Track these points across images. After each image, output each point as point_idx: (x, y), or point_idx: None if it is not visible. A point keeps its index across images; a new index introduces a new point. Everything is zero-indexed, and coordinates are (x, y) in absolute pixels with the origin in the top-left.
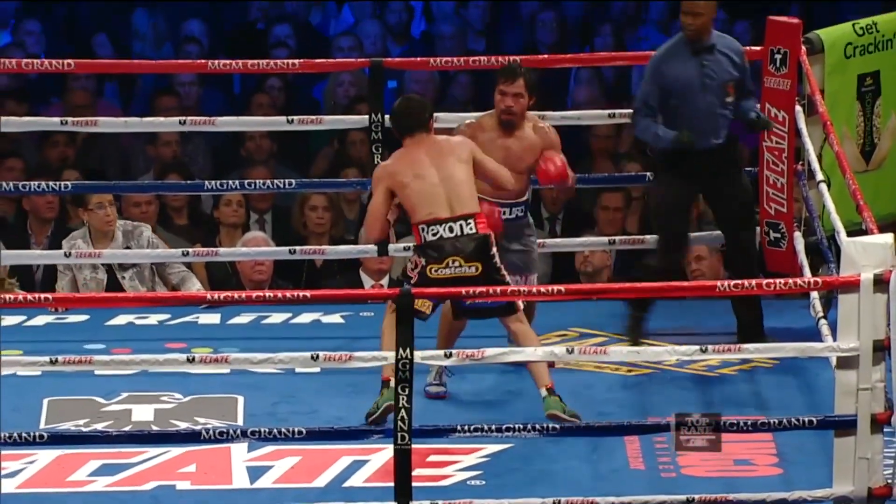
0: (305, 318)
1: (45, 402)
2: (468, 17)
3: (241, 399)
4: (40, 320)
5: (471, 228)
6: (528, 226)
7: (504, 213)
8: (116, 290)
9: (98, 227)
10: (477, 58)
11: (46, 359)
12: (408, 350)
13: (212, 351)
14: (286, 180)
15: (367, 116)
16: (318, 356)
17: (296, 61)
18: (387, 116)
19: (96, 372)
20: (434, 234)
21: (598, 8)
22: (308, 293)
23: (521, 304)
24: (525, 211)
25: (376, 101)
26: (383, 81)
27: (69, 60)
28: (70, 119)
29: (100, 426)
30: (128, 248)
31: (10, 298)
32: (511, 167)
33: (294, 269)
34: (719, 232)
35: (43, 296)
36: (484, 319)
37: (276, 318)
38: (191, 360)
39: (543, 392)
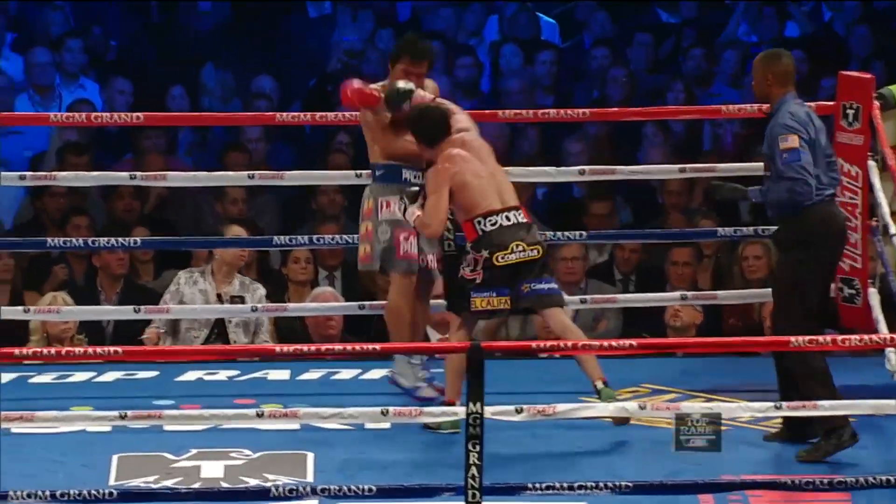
0: (375, 373)
1: (115, 458)
2: (536, 73)
3: (310, 455)
4: (110, 376)
5: (521, 217)
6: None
7: (417, 177)
8: (220, 328)
9: (231, 261)
10: (546, 111)
11: (116, 413)
12: (478, 405)
13: (281, 407)
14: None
15: None
16: (387, 411)
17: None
18: None
19: (166, 428)
20: (493, 224)
21: (670, 64)
22: (378, 346)
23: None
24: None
25: None
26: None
27: (138, 114)
28: (139, 174)
29: (169, 483)
30: (242, 296)
31: (79, 351)
32: (410, 141)
33: (363, 326)
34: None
35: (112, 349)
36: (535, 311)
37: (346, 373)
38: (260, 415)
39: (599, 384)
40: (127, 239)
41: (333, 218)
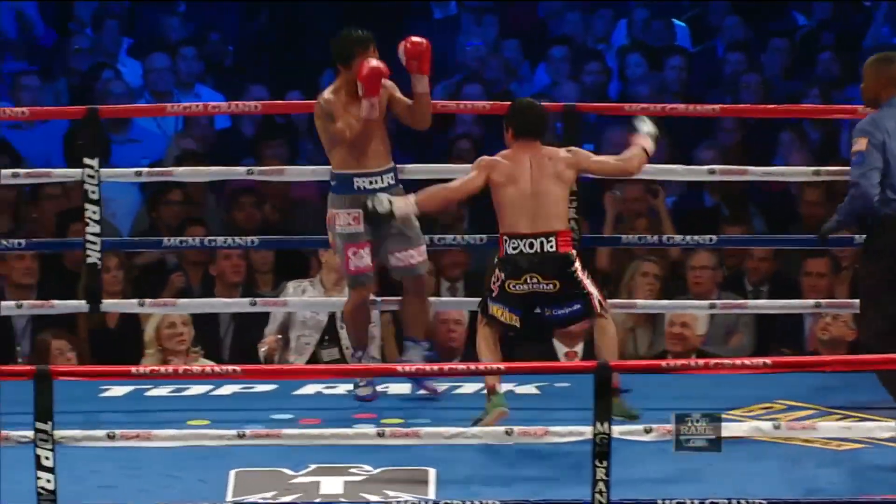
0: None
1: (232, 473)
2: (665, 78)
3: (432, 471)
4: (227, 390)
5: (551, 246)
6: (403, 194)
7: (374, 182)
8: (331, 333)
9: (338, 268)
10: (674, 105)
11: (234, 433)
12: (606, 424)
13: (402, 422)
14: (478, 236)
15: None
16: (512, 431)
17: (486, 103)
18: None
19: (284, 443)
20: (514, 249)
21: (805, 69)
22: (502, 366)
23: (598, 306)
24: (395, 178)
25: None
26: (579, 134)
27: (255, 102)
28: (256, 168)
29: (287, 499)
30: None
31: (197, 371)
32: (372, 134)
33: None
34: None
35: (231, 368)
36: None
37: (468, 387)
38: (381, 436)
39: None
40: (244, 238)
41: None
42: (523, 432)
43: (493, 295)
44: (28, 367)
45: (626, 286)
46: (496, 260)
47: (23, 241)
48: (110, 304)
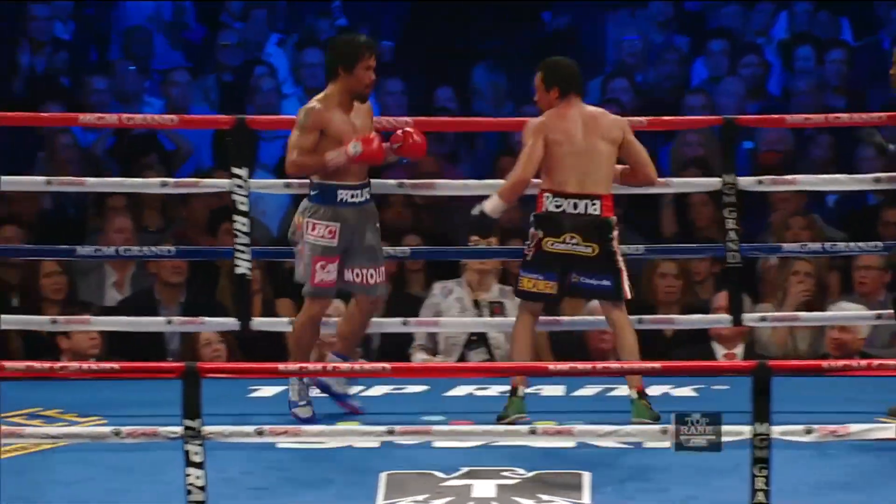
0: (655, 390)
1: (383, 476)
2: (825, 72)
3: (587, 476)
4: (378, 391)
5: (595, 209)
6: (376, 213)
7: (355, 196)
8: (479, 333)
9: (480, 268)
10: (837, 115)
11: (384, 428)
12: (765, 425)
13: (556, 424)
14: (633, 246)
15: (717, 179)
16: (667, 430)
17: (643, 119)
18: (740, 178)
19: (435, 445)
20: (557, 207)
21: None
22: (658, 364)
23: (626, 290)
24: (370, 193)
25: (729, 161)
26: (736, 141)
27: (409, 118)
28: (407, 181)
29: (439, 502)
30: (501, 302)
31: (346, 368)
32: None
33: (643, 338)
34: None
35: (381, 365)
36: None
37: (622, 390)
38: (533, 432)
39: (634, 395)
40: (396, 248)
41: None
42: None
43: (528, 259)
44: (176, 365)
45: (781, 285)
46: (532, 218)
47: (172, 249)
48: (261, 323)
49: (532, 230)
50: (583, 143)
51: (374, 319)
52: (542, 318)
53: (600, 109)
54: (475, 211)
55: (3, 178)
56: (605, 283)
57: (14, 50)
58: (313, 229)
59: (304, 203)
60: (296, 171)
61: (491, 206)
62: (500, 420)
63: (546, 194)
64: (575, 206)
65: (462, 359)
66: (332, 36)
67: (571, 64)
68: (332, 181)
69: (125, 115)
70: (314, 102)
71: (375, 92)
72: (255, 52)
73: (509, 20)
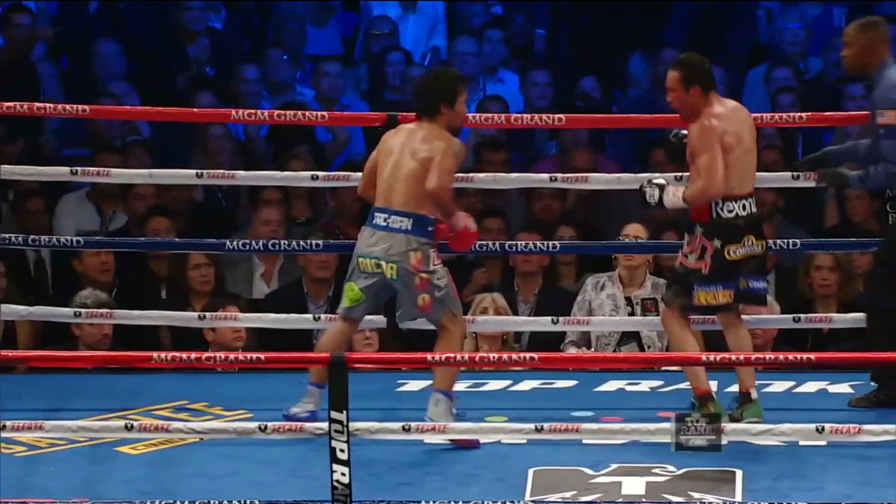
0: (810, 386)
1: (531, 472)
2: None
3: (739, 473)
4: (527, 385)
5: (753, 207)
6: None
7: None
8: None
9: (627, 263)
10: None
11: (532, 426)
12: None
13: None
14: (790, 241)
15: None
16: (823, 428)
17: (803, 115)
18: None
19: (584, 441)
20: (730, 212)
21: None
22: (812, 356)
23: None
24: None
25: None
26: None
27: (560, 115)
28: (560, 175)
29: (588, 499)
30: (654, 299)
31: (493, 358)
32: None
33: (799, 335)
34: None
35: (528, 355)
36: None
37: (778, 386)
38: None
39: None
40: (545, 242)
41: (768, 219)
42: (835, 430)
43: (705, 273)
44: (323, 355)
45: None
46: (699, 229)
47: (320, 243)
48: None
49: (702, 241)
50: (748, 143)
51: (526, 318)
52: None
53: (738, 104)
54: (649, 193)
55: (154, 171)
56: (764, 285)
57: (180, 44)
58: (437, 261)
59: (412, 238)
60: (442, 198)
61: (671, 202)
62: (731, 419)
63: (716, 200)
64: (744, 208)
65: None
66: (423, 73)
67: (704, 58)
68: (433, 215)
69: (276, 112)
70: (457, 141)
71: (521, 83)
72: (401, 43)
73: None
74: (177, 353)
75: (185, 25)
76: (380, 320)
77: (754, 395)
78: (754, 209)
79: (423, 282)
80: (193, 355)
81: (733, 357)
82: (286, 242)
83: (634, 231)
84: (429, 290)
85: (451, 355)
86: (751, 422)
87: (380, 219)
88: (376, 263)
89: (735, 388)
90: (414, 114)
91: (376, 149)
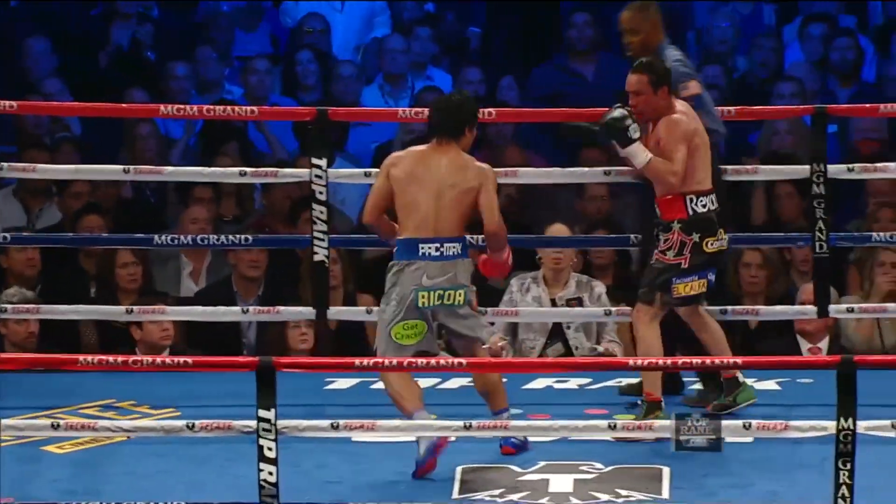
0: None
1: (459, 469)
2: None
3: (666, 470)
4: (454, 383)
5: (715, 203)
6: None
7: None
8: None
9: (552, 265)
10: None
11: (460, 423)
12: (850, 420)
13: (634, 418)
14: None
15: (806, 167)
16: (750, 425)
17: (731, 109)
18: (829, 166)
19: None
20: (704, 206)
21: None
22: (739, 359)
23: None
24: None
25: (819, 150)
26: (826, 130)
27: (490, 109)
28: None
29: (515, 497)
30: (579, 298)
31: (421, 363)
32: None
33: (727, 330)
34: None
35: (457, 361)
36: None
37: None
38: (612, 427)
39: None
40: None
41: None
42: (762, 426)
43: (684, 266)
44: (251, 359)
45: (868, 277)
46: (675, 225)
47: (249, 238)
48: (337, 312)
49: (680, 236)
50: (708, 139)
51: None
52: (622, 308)
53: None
54: (633, 128)
55: (81, 166)
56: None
57: (107, 23)
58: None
59: (468, 261)
60: (501, 237)
61: (636, 152)
62: (723, 408)
63: (689, 196)
64: (713, 202)
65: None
66: (447, 95)
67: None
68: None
69: (206, 107)
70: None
71: (455, 81)
72: (334, 39)
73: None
74: (104, 356)
75: (118, 7)
76: (309, 313)
77: (741, 378)
78: (716, 205)
79: (475, 303)
80: (120, 359)
81: (668, 361)
82: (216, 237)
83: (558, 231)
84: (477, 309)
85: (380, 360)
86: (748, 405)
87: (430, 249)
88: (439, 295)
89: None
90: (436, 134)
91: (385, 176)
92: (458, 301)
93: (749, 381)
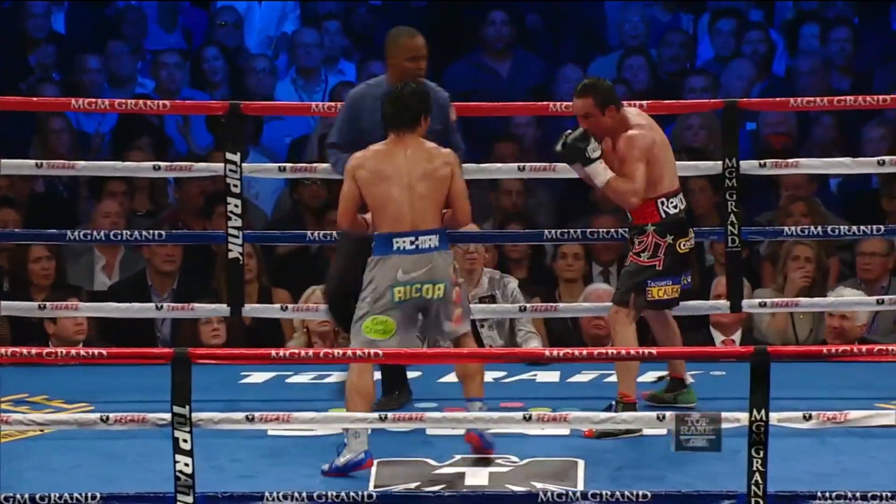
0: (651, 376)
1: (375, 462)
2: (829, 51)
3: (581, 463)
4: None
5: (684, 202)
6: None
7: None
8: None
9: (462, 265)
10: (842, 98)
11: (376, 416)
12: (763, 411)
13: (550, 411)
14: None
15: (718, 162)
16: (664, 417)
17: (643, 102)
18: (742, 162)
19: (428, 432)
20: (675, 208)
21: None
22: (654, 350)
23: None
24: None
25: (731, 145)
26: (739, 124)
27: None
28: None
29: (432, 490)
30: (492, 295)
31: (337, 353)
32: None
33: (639, 325)
34: None
35: (373, 351)
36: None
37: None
38: (527, 419)
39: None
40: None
41: (610, 211)
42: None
43: (659, 268)
44: (166, 351)
45: (781, 271)
46: (649, 228)
47: (163, 233)
48: (252, 309)
49: (654, 238)
50: (666, 141)
51: None
52: (537, 304)
53: (635, 108)
54: (593, 147)
55: None
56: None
57: (22, 51)
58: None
59: (446, 253)
60: (467, 223)
61: (596, 171)
62: (660, 401)
63: (660, 199)
64: (682, 202)
65: None
66: (392, 90)
67: (602, 78)
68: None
69: (118, 101)
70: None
71: (360, 75)
72: (248, 32)
73: None
74: (17, 349)
75: (27, 33)
76: (223, 309)
77: (689, 380)
78: (684, 204)
79: (458, 295)
80: (34, 351)
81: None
82: (129, 233)
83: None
84: (461, 303)
85: (296, 352)
86: (687, 407)
87: (405, 243)
88: (417, 288)
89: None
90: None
91: (351, 180)
92: (437, 295)
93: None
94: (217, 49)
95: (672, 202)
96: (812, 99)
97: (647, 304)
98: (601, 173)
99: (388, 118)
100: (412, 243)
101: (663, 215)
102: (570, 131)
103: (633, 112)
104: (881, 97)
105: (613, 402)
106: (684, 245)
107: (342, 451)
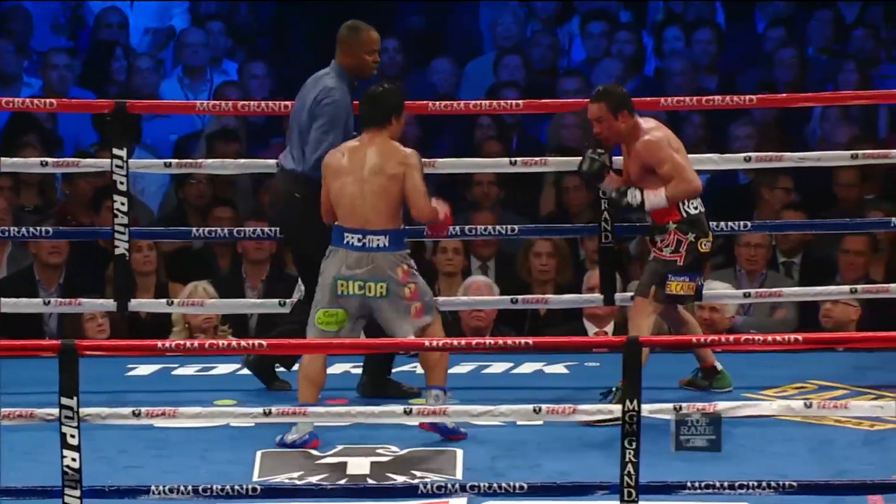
0: (527, 367)
1: (259, 454)
2: (694, 52)
3: (460, 452)
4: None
5: (702, 204)
6: None
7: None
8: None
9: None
10: (710, 98)
11: (260, 410)
12: (635, 402)
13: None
14: (509, 227)
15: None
16: (540, 409)
17: (519, 102)
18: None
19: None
20: (695, 208)
21: (840, 44)
22: (531, 340)
23: None
24: None
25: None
26: None
27: (287, 102)
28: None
29: (314, 479)
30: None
31: (223, 344)
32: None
33: (516, 317)
34: None
35: (258, 342)
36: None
37: (497, 367)
38: (408, 413)
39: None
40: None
41: (488, 208)
42: (551, 410)
43: (679, 264)
44: (53, 343)
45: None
46: (671, 226)
47: (50, 230)
48: (138, 304)
49: (677, 235)
50: (682, 145)
51: (254, 301)
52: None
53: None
54: (631, 195)
55: None
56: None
57: None
58: (415, 268)
59: (394, 254)
60: (430, 218)
61: (654, 203)
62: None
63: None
64: (701, 203)
65: None
66: (368, 88)
67: (618, 84)
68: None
69: (5, 99)
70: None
71: (240, 74)
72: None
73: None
74: None
75: None
76: (110, 305)
77: (719, 366)
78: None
79: (412, 292)
80: None
81: (463, 342)
82: (16, 229)
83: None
84: (418, 298)
85: (183, 343)
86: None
87: (353, 239)
88: (360, 285)
89: None
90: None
91: (327, 175)
92: (380, 293)
93: (547, 367)
94: (109, 48)
95: (693, 203)
96: (682, 99)
97: (669, 299)
98: (655, 201)
99: (362, 116)
100: (360, 241)
101: (684, 214)
102: (581, 160)
103: (646, 119)
104: (748, 97)
105: (613, 388)
106: (705, 244)
107: (291, 429)
